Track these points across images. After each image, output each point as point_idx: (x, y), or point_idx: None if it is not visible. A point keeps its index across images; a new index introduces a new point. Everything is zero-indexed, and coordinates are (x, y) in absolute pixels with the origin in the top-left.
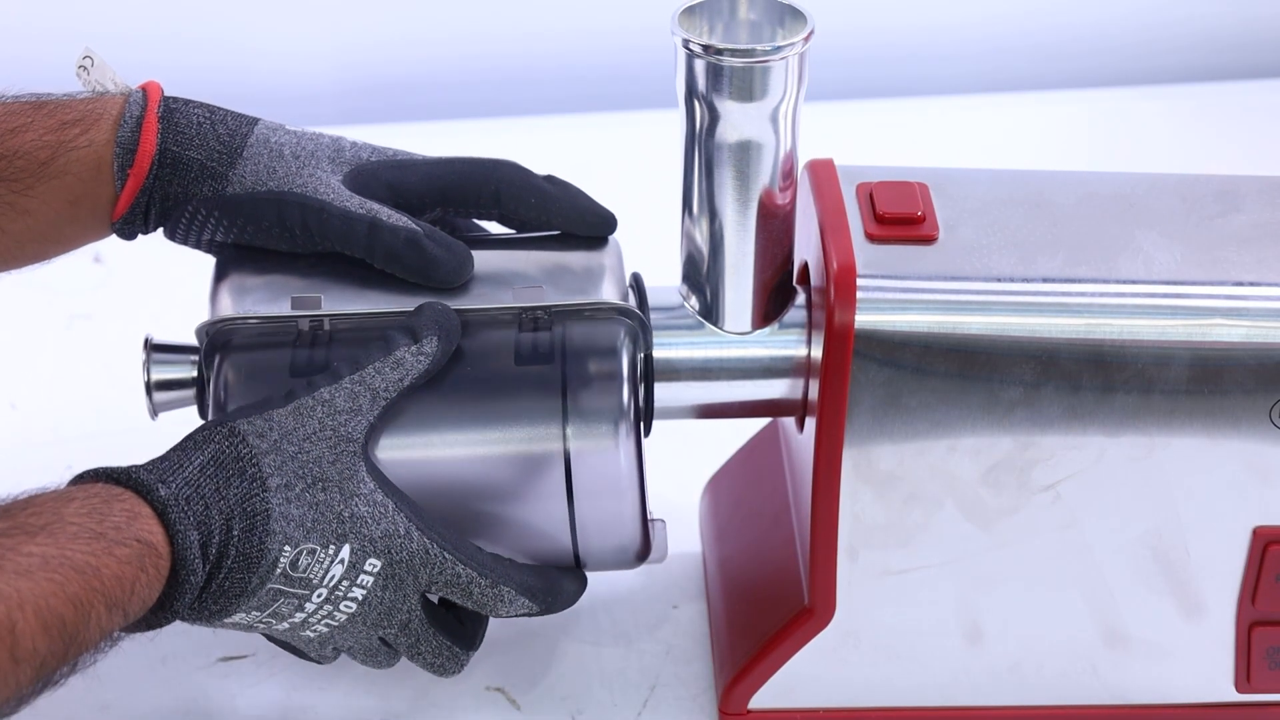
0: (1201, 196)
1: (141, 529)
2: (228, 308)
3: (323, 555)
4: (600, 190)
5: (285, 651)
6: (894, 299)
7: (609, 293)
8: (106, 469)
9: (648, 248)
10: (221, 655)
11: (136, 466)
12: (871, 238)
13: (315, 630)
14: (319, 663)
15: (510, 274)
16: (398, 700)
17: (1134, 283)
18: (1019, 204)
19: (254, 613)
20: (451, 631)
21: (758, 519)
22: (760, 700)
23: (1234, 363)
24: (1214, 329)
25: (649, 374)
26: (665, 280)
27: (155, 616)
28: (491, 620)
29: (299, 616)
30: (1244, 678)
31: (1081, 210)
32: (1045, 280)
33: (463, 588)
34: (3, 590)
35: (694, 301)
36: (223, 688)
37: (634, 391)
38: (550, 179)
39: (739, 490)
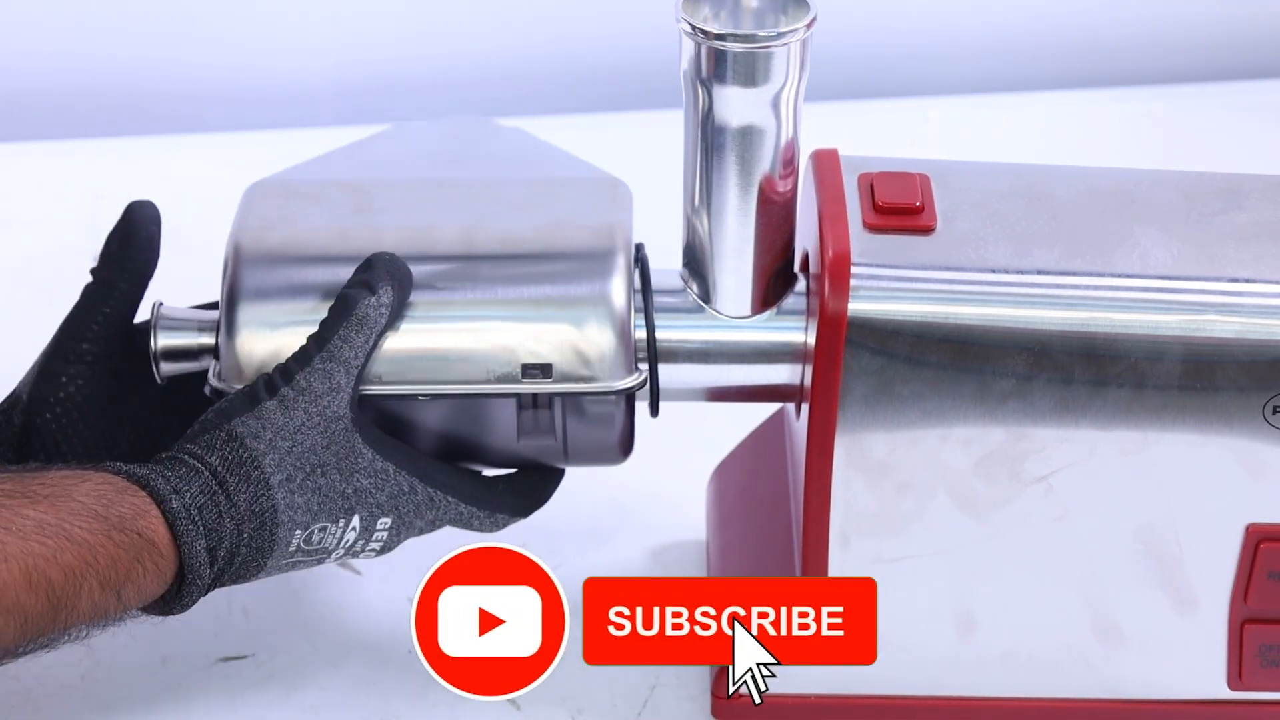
0: (1204, 193)
1: (145, 526)
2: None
3: (334, 529)
4: None
5: (285, 652)
6: (888, 288)
7: (617, 291)
8: (128, 467)
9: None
10: (221, 656)
11: (153, 470)
12: (869, 227)
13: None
14: None
15: (511, 255)
16: (398, 700)
17: (1129, 277)
18: (1020, 197)
19: (274, 574)
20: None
21: (759, 506)
22: None
23: (1227, 359)
24: (1208, 324)
25: (653, 357)
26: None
27: (164, 607)
28: None
29: (320, 568)
30: (1236, 675)
31: (1082, 204)
32: (1040, 272)
33: (465, 520)
34: None
35: (695, 285)
36: (224, 688)
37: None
38: None
39: (744, 477)
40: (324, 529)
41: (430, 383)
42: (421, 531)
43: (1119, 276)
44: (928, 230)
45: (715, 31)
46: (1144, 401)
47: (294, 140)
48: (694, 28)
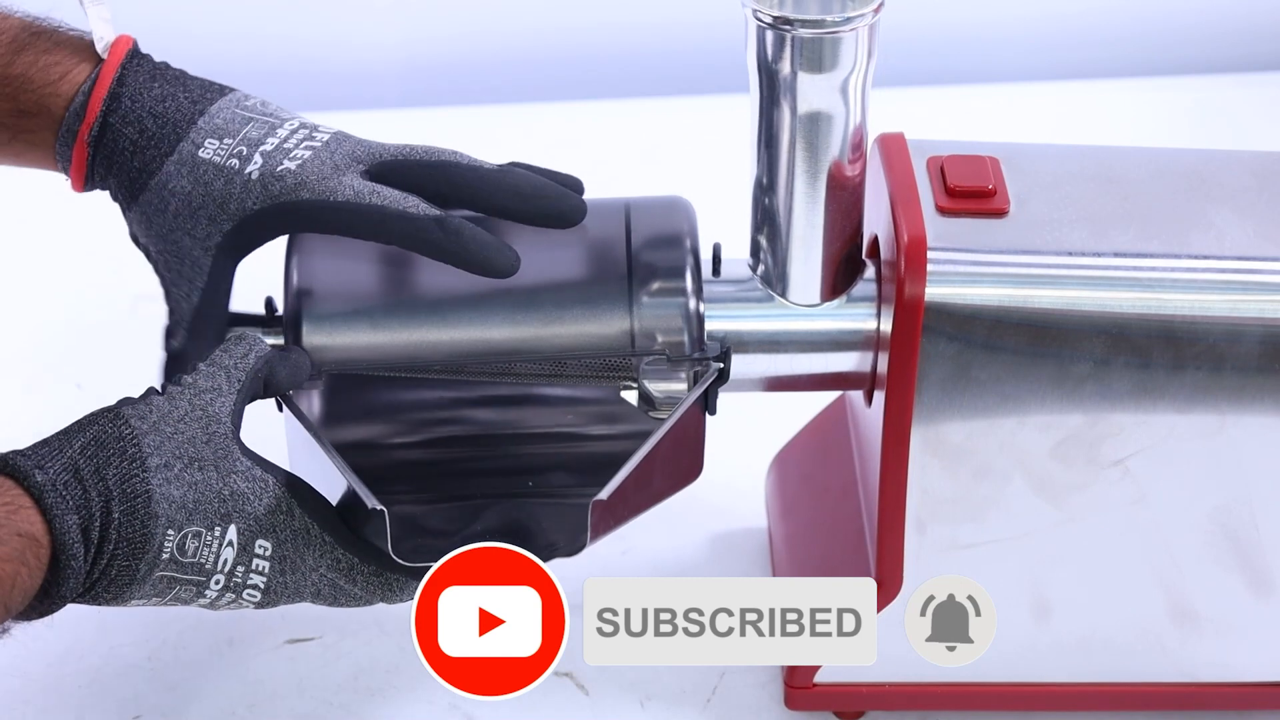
0: (1274, 173)
1: (22, 522)
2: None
3: (209, 538)
4: (663, 172)
5: (353, 635)
6: (964, 272)
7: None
8: None
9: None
10: (289, 637)
11: (16, 451)
12: (942, 211)
13: (231, 610)
14: None
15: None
16: None
17: (1206, 258)
18: (1091, 179)
19: (154, 598)
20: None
21: (825, 494)
22: (826, 673)
23: None
24: None
25: (725, 356)
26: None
27: (41, 604)
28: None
29: (203, 601)
30: None
31: (1154, 185)
32: (1116, 254)
33: (345, 572)
34: None
35: (763, 273)
36: (290, 670)
37: None
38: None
39: (806, 466)
40: (198, 535)
41: None
42: (307, 590)
43: (1196, 258)
44: (1001, 213)
45: (782, 17)
46: (1222, 383)
47: (362, 121)
48: (760, 13)
